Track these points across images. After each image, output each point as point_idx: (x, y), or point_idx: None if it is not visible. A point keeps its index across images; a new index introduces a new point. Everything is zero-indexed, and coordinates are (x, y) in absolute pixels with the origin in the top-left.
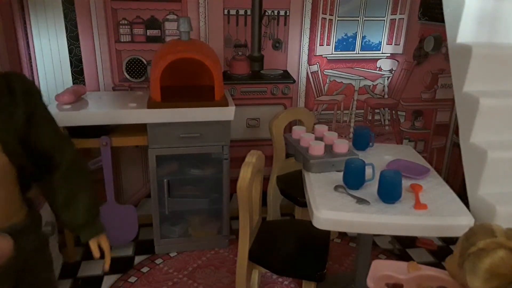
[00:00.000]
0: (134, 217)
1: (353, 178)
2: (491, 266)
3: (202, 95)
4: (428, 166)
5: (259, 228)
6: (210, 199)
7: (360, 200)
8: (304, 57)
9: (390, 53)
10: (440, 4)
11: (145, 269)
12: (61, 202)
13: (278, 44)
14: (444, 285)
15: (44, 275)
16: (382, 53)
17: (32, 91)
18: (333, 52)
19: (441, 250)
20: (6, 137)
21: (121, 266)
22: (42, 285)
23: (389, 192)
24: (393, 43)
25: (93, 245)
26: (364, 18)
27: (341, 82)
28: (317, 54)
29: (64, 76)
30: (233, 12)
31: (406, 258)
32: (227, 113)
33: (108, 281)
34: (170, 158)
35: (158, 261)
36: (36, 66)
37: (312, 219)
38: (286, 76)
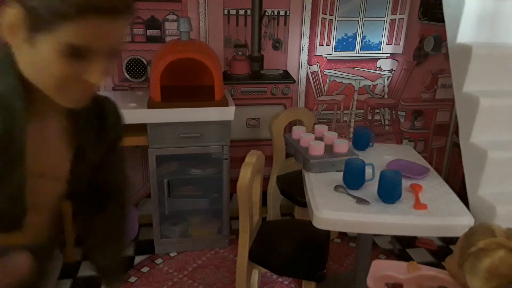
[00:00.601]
0: (134, 217)
1: (353, 178)
2: (491, 266)
3: (202, 95)
4: (428, 166)
5: (259, 228)
6: (210, 199)
7: (360, 200)
8: (304, 57)
9: (390, 53)
10: (440, 4)
11: (145, 269)
12: (93, 243)
13: (278, 44)
14: (444, 285)
15: None
16: (382, 53)
17: (121, 123)
18: (333, 52)
19: (441, 250)
20: (90, 156)
21: None
22: None
23: (389, 192)
24: (393, 43)
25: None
26: (364, 18)
27: (341, 82)
28: (317, 54)
29: None
30: (233, 12)
31: (406, 258)
32: (227, 113)
33: None
34: (170, 158)
35: (158, 261)
36: None
37: (312, 219)
38: (286, 76)
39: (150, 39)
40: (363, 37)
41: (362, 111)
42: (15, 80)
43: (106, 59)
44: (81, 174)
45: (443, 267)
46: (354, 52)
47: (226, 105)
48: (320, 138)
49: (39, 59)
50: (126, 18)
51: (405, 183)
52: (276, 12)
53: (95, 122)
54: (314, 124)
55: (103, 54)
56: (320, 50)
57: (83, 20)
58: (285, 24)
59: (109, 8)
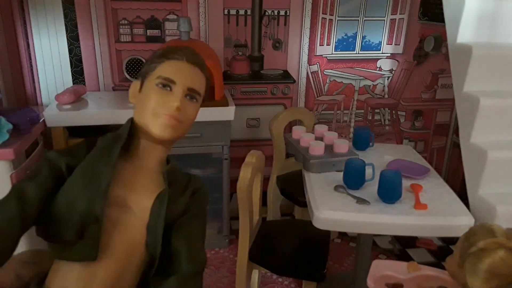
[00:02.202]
0: None
1: (353, 178)
2: (491, 266)
3: None
4: (428, 166)
5: (259, 228)
6: (210, 199)
7: (360, 200)
8: (304, 57)
9: (390, 53)
10: (440, 4)
11: None
12: None
13: (278, 44)
14: (444, 285)
15: None
16: (382, 53)
17: (202, 192)
18: (333, 52)
19: (441, 250)
20: (169, 215)
21: None
22: None
23: (389, 192)
24: (393, 43)
25: None
26: (364, 18)
27: (341, 82)
28: (317, 54)
29: (64, 76)
30: (233, 12)
31: (406, 258)
32: (227, 113)
33: None
34: (170, 158)
35: None
36: (36, 66)
37: (312, 219)
38: (286, 76)
39: (150, 39)
40: (363, 37)
41: (362, 111)
42: (126, 130)
43: (184, 94)
44: (158, 220)
45: (443, 267)
46: (354, 52)
47: (226, 105)
48: (320, 138)
49: (144, 98)
50: (196, 66)
51: (405, 183)
52: (276, 12)
53: (180, 189)
54: (314, 124)
55: (183, 88)
56: (320, 50)
57: (168, 62)
58: (285, 24)
59: (181, 56)
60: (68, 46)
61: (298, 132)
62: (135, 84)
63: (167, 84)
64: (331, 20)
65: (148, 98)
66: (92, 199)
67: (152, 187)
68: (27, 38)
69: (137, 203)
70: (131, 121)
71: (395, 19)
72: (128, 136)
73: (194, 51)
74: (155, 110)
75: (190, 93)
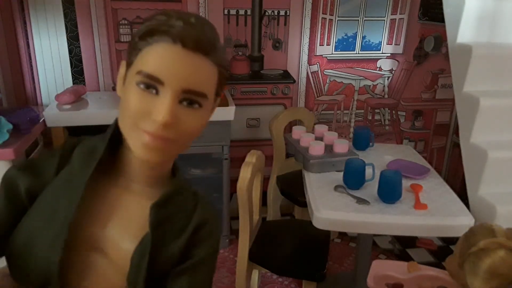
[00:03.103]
0: None
1: (353, 178)
2: (491, 266)
3: None
4: (428, 166)
5: (259, 228)
6: (210, 199)
7: (360, 200)
8: (304, 57)
9: (390, 53)
10: (440, 4)
11: None
12: None
13: (278, 44)
14: (444, 285)
15: None
16: (382, 53)
17: (211, 227)
18: (333, 52)
19: (441, 250)
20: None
21: None
22: None
23: (389, 192)
24: (393, 43)
25: None
26: (364, 18)
27: (341, 82)
28: (317, 54)
29: (64, 76)
30: (233, 12)
31: (406, 258)
32: (227, 113)
33: None
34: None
35: None
36: (36, 66)
37: (312, 219)
38: (286, 76)
39: None
40: (363, 37)
41: (362, 111)
42: (106, 138)
43: (176, 99)
44: (139, 273)
45: (443, 267)
46: (354, 52)
47: (226, 105)
48: (320, 138)
49: (124, 97)
50: (199, 52)
51: (405, 183)
52: (276, 12)
53: (178, 226)
54: (314, 124)
55: (174, 91)
56: (320, 50)
57: (154, 46)
58: (285, 24)
59: (174, 36)
60: (68, 46)
61: (298, 132)
62: (121, 68)
63: (151, 85)
64: (331, 20)
65: (127, 101)
66: (53, 242)
67: (138, 223)
68: (27, 38)
69: (113, 245)
70: (116, 123)
71: (395, 19)
72: (115, 142)
73: (196, 24)
74: (135, 121)
75: (188, 97)
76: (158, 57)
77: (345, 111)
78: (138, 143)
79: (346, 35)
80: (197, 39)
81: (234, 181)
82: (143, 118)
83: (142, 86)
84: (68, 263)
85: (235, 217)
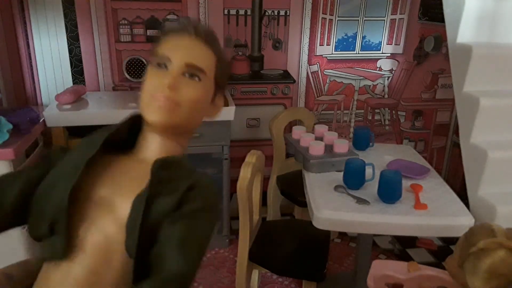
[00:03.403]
0: None
1: (353, 178)
2: (491, 266)
3: None
4: (428, 166)
5: (259, 228)
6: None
7: (360, 200)
8: (304, 57)
9: (390, 53)
10: (440, 4)
11: None
12: None
13: (278, 44)
14: (444, 285)
15: None
16: (382, 53)
17: (201, 189)
18: (333, 52)
19: (441, 250)
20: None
21: None
22: None
23: (389, 192)
24: (393, 43)
25: None
26: (364, 18)
27: (341, 82)
28: (317, 54)
29: (64, 76)
30: (233, 12)
31: (406, 258)
32: (227, 113)
33: None
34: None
35: None
36: (36, 66)
37: (312, 219)
38: (286, 76)
39: (151, 39)
40: (363, 37)
41: (362, 111)
42: (123, 123)
43: (180, 71)
44: (136, 222)
45: (443, 267)
46: (354, 52)
47: (226, 105)
48: (320, 138)
49: (144, 80)
50: (200, 40)
51: (405, 183)
52: (276, 12)
53: (172, 186)
54: (314, 124)
55: (179, 65)
56: (320, 50)
57: (167, 38)
58: (285, 24)
59: (181, 30)
60: (68, 46)
61: (298, 132)
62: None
63: (162, 63)
64: (331, 20)
65: (146, 80)
66: (66, 190)
67: (142, 186)
68: (27, 38)
69: (122, 202)
70: (133, 115)
71: (395, 19)
72: (137, 132)
73: (200, 24)
74: (150, 93)
75: (189, 70)
76: (167, 42)
77: (345, 111)
78: (152, 107)
79: (346, 35)
80: (197, 27)
81: (234, 181)
82: (156, 89)
83: (156, 65)
84: (74, 211)
85: (235, 217)
